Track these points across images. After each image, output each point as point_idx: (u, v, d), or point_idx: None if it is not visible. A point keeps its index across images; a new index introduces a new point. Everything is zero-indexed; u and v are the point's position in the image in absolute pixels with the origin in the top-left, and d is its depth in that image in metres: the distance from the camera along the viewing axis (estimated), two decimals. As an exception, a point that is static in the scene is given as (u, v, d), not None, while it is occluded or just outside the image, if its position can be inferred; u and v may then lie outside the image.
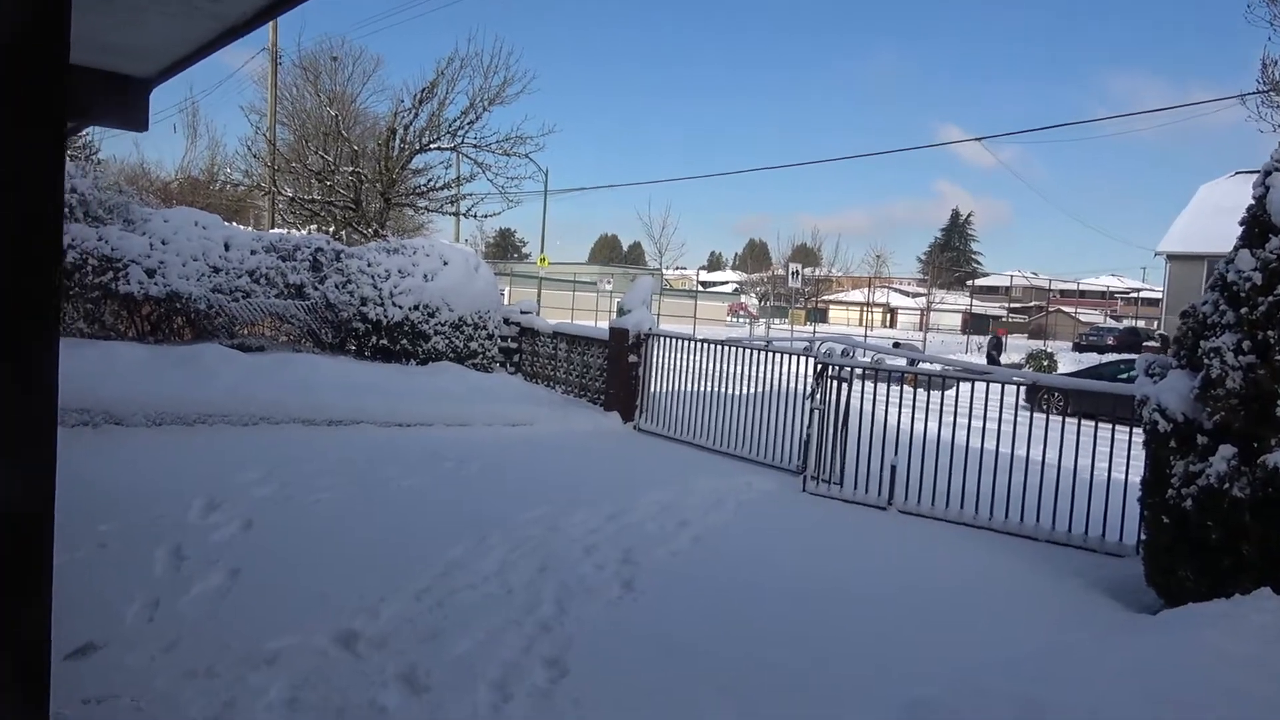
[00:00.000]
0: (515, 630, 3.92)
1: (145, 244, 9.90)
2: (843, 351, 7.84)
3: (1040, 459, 6.68)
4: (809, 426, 7.73)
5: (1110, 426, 6.79)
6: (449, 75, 19.52)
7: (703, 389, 9.49)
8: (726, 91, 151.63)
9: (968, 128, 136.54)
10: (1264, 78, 12.89)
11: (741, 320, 55.77)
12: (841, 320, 65.20)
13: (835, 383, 7.64)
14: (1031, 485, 6.55)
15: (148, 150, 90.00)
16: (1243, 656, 3.56)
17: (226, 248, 10.61)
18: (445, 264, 11.88)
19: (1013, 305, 63.10)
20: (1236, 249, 4.67)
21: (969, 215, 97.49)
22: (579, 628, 3.99)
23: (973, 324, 49.36)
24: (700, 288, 75.49)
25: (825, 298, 66.82)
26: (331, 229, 19.77)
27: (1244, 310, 4.42)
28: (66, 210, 9.72)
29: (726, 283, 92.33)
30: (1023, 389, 8.31)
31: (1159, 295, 44.97)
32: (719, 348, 9.53)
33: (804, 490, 7.42)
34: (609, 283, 39.89)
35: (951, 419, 7.23)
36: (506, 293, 27.00)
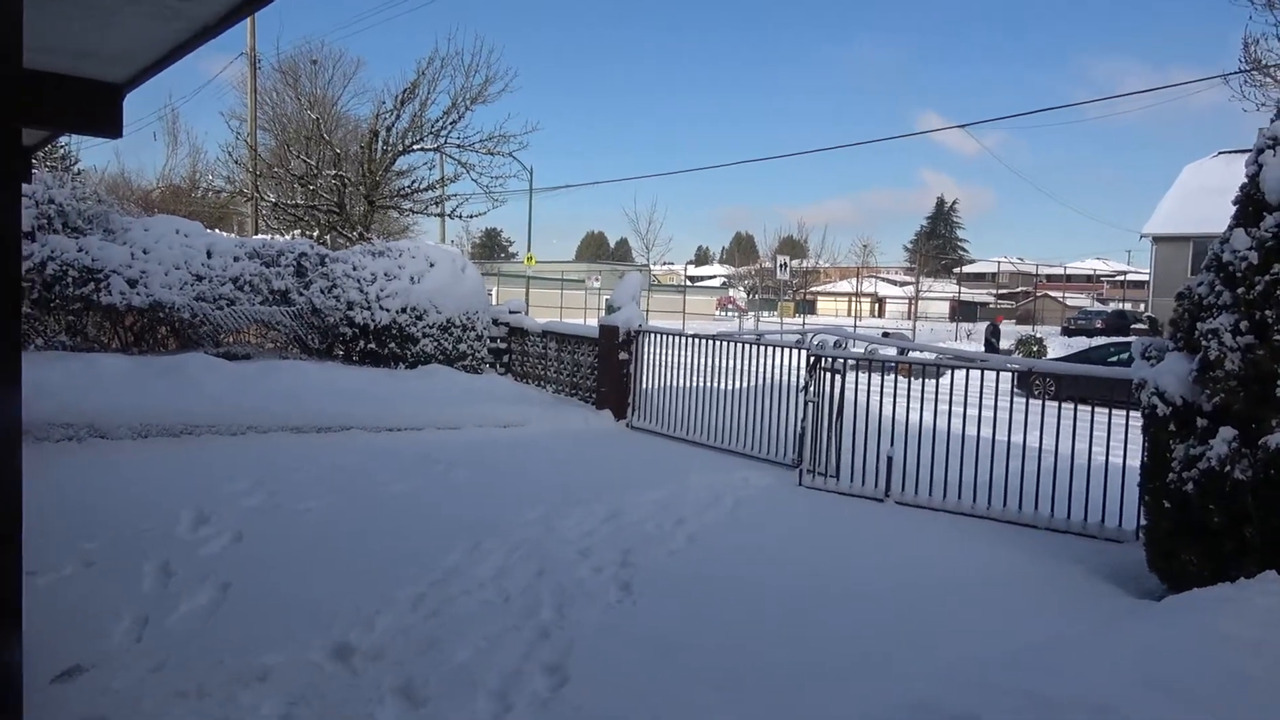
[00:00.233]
0: (514, 637, 3.85)
1: (126, 254, 9.77)
2: (835, 343, 7.79)
3: (1037, 446, 6.65)
4: (803, 420, 7.67)
5: (1107, 411, 6.76)
6: (430, 75, 19.39)
7: (695, 385, 9.42)
8: (709, 85, 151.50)
9: (950, 115, 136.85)
10: (1246, 57, 12.92)
11: (730, 314, 55.74)
12: (830, 311, 65.28)
13: (828, 375, 7.58)
14: (1029, 473, 6.51)
15: (128, 159, 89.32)
16: (1247, 641, 3.51)
17: (209, 255, 10.48)
18: (432, 265, 11.78)
19: (1000, 291, 63.30)
20: (1231, 228, 4.62)
21: (954, 203, 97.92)
22: (578, 632, 3.92)
23: (961, 311, 49.47)
24: (688, 283, 75.46)
25: (813, 289, 66.91)
26: (315, 233, 19.62)
27: (1241, 290, 4.38)
28: (45, 221, 9.58)
29: (714, 277, 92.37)
30: (1015, 375, 8.30)
31: (1145, 277, 45.20)
32: (710, 343, 9.46)
33: (800, 484, 7.37)
34: (597, 280, 39.80)
35: (946, 407, 7.19)
36: (494, 292, 26.88)
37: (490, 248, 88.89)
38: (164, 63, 3.89)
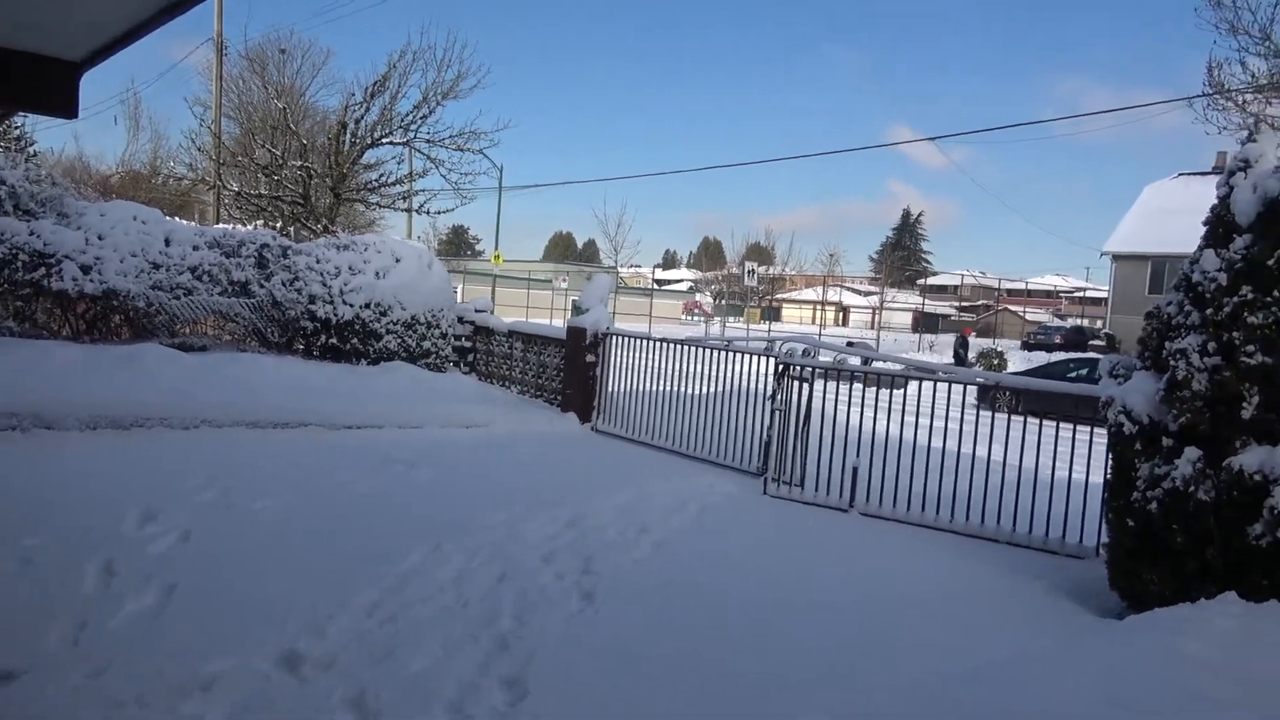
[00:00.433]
0: (472, 646, 3.74)
1: (80, 239, 9.47)
2: (804, 351, 7.76)
3: (1001, 459, 6.67)
4: (770, 428, 7.63)
5: (1069, 426, 6.81)
6: (401, 69, 19.15)
7: (661, 389, 9.35)
8: (682, 89, 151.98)
9: (919, 128, 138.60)
10: (1210, 80, 13.16)
11: (697, 319, 55.83)
12: (795, 319, 65.69)
13: (796, 383, 7.55)
14: (992, 486, 6.53)
15: (87, 143, 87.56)
16: (1208, 662, 3.51)
17: (167, 243, 10.21)
18: (398, 261, 11.58)
19: (962, 304, 64.12)
20: (1201, 249, 4.65)
21: (920, 215, 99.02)
22: (539, 642, 3.82)
23: (924, 323, 50.01)
24: (655, 286, 75.49)
25: (779, 296, 67.26)
26: (279, 224, 19.26)
27: (1209, 311, 4.40)
28: (-6, 202, 9.26)
29: (681, 281, 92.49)
30: (978, 387, 8.34)
31: (1103, 294, 46.06)
32: (677, 347, 9.39)
33: (765, 493, 7.32)
34: (564, 280, 39.64)
35: (912, 419, 7.20)
36: (460, 290, 26.63)
37: (457, 244, 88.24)
38: (124, 41, 3.73)
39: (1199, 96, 13.48)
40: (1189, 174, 38.41)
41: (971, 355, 28.75)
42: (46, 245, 9.19)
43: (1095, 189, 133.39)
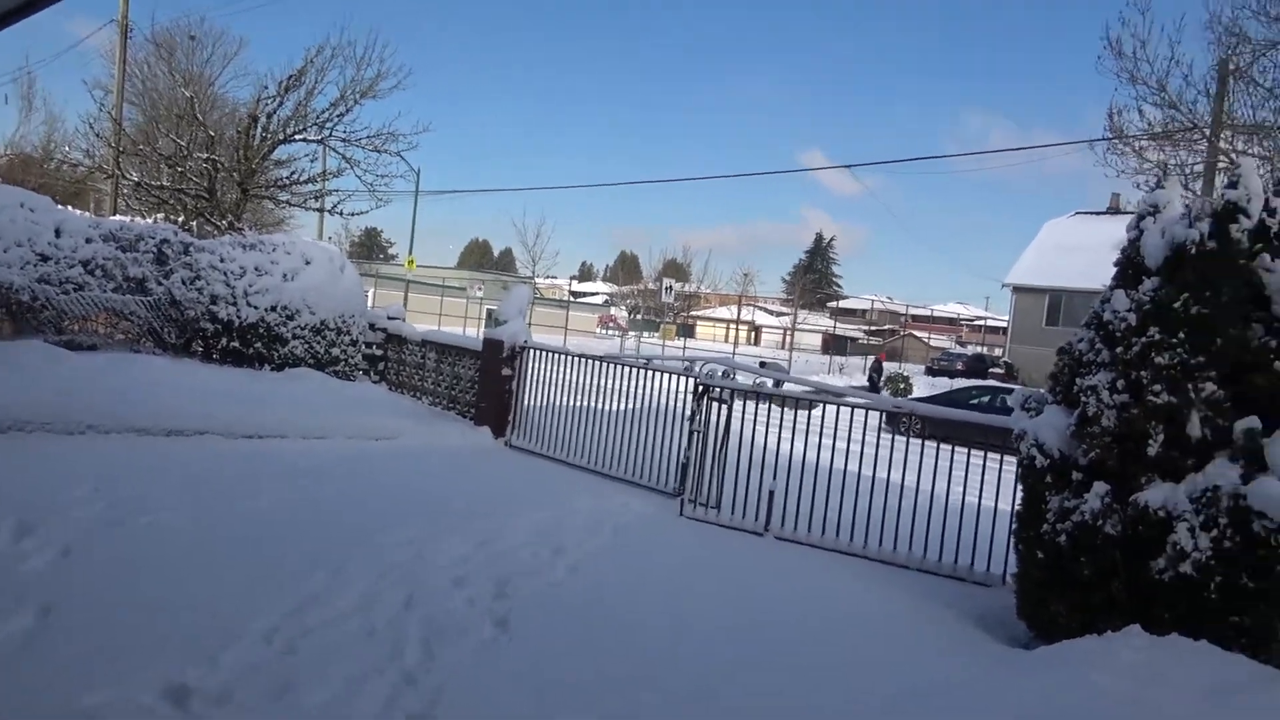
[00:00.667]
0: (378, 679, 3.53)
1: (-43, 225, 8.82)
2: (723, 373, 7.75)
3: (913, 485, 6.77)
4: (688, 449, 7.59)
5: (972, 452, 6.98)
6: (319, 64, 18.61)
7: (578, 405, 9.21)
8: (604, 103, 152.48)
9: (831, 155, 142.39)
10: (1110, 126, 13.82)
11: (611, 333, 55.79)
12: (709, 336, 66.29)
13: (715, 404, 7.53)
14: (904, 511, 6.62)
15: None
16: (1123, 694, 3.58)
17: (58, 234, 9.59)
18: (308, 263, 11.16)
19: (870, 328, 65.91)
20: (1111, 289, 4.80)
21: (832, 239, 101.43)
22: (449, 675, 3.63)
23: (834, 345, 51.16)
24: (571, 298, 75.24)
25: (694, 313, 67.83)
26: (181, 219, 18.39)
27: (1119, 350, 4.53)
28: None
29: (597, 294, 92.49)
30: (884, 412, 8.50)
31: (1003, 324, 47.94)
32: (597, 364, 9.28)
33: (681, 514, 7.26)
34: (480, 289, 39.09)
35: (830, 441, 7.25)
36: (371, 294, 25.86)
37: (370, 247, 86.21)
38: (13, 16, 3.43)
39: (1099, 140, 14.18)
40: (1085, 213, 40.46)
41: (881, 380, 29.51)
42: (-81, 230, 8.52)
43: (996, 222, 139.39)
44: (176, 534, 5.03)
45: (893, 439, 6.82)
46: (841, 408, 7.40)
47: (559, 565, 5.36)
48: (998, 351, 47.31)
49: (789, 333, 53.59)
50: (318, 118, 18.94)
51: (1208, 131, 13.20)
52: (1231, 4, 12.01)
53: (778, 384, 8.58)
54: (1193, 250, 4.43)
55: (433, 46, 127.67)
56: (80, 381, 8.07)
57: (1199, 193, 12.84)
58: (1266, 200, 4.48)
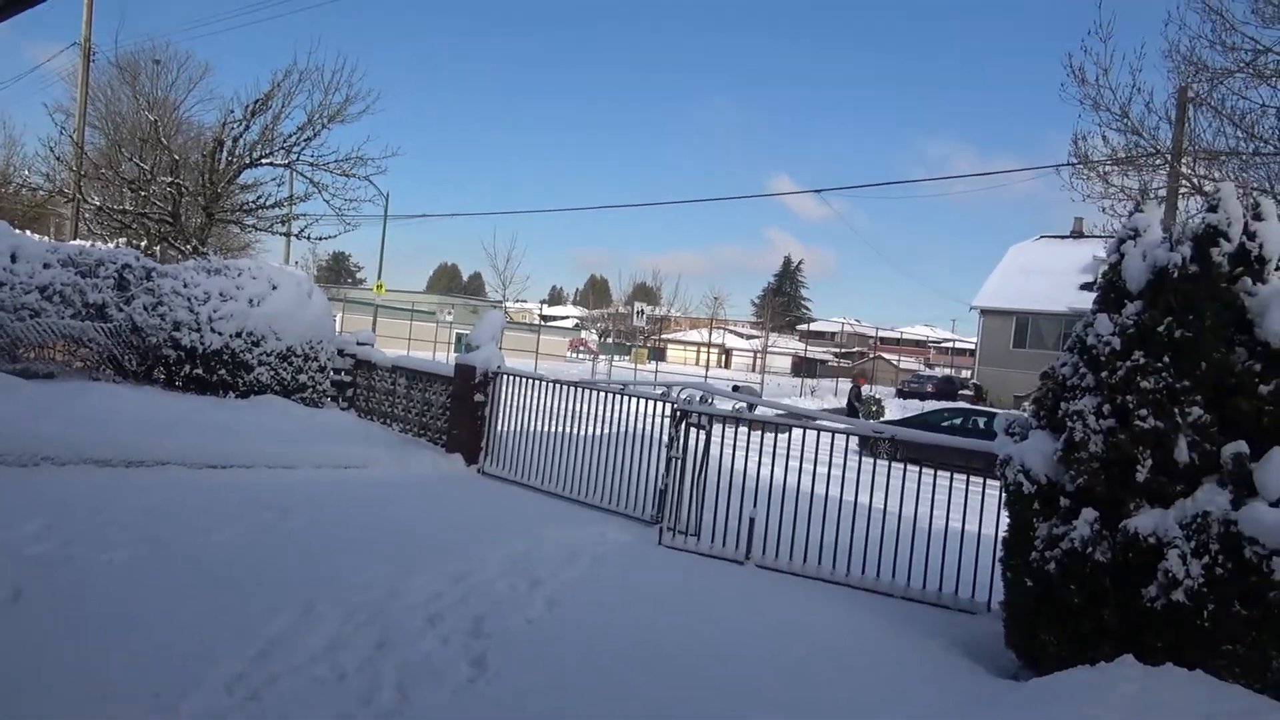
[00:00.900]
0: (348, 727, 3.35)
1: (-92, 250, 8.51)
2: (701, 398, 7.65)
3: (895, 510, 6.69)
4: (666, 475, 7.46)
5: (951, 475, 6.92)
6: (286, 88, 18.40)
7: (553, 431, 9.05)
8: (571, 126, 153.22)
9: (799, 179, 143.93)
10: (1075, 151, 13.98)
11: (582, 356, 55.61)
12: (680, 359, 66.33)
13: (694, 430, 7.41)
14: (887, 538, 6.52)
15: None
16: (1116, 729, 3.50)
17: (14, 259, 9.29)
18: (274, 288, 10.92)
19: (839, 350, 66.34)
20: (1094, 313, 4.76)
21: (800, 263, 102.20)
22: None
23: (805, 368, 51.37)
24: (542, 322, 75.04)
25: (665, 336, 67.92)
26: (144, 243, 18.03)
27: (1104, 374, 4.49)
28: None
29: (568, 318, 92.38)
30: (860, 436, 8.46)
31: (970, 345, 48.48)
32: (571, 389, 9.13)
33: (660, 543, 7.11)
34: (450, 314, 38.80)
35: (799, 464, 7.18)
36: (340, 319, 25.52)
37: (338, 272, 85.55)
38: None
39: (1065, 165, 14.33)
40: (1050, 236, 41.16)
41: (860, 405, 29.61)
42: None
43: (961, 245, 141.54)
44: (135, 572, 4.80)
45: (874, 464, 6.75)
46: (822, 432, 7.33)
47: (536, 599, 5.19)
48: (965, 373, 47.76)
49: (760, 355, 53.77)
50: (285, 142, 18.73)
51: (1169, 157, 13.40)
52: (1189, 34, 12.18)
53: (751, 408, 8.49)
54: (1174, 274, 4.40)
55: (402, 71, 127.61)
56: (36, 411, 7.78)
57: (1163, 217, 12.97)
58: (1246, 224, 4.49)
